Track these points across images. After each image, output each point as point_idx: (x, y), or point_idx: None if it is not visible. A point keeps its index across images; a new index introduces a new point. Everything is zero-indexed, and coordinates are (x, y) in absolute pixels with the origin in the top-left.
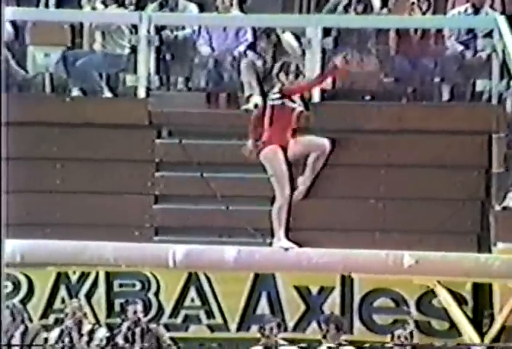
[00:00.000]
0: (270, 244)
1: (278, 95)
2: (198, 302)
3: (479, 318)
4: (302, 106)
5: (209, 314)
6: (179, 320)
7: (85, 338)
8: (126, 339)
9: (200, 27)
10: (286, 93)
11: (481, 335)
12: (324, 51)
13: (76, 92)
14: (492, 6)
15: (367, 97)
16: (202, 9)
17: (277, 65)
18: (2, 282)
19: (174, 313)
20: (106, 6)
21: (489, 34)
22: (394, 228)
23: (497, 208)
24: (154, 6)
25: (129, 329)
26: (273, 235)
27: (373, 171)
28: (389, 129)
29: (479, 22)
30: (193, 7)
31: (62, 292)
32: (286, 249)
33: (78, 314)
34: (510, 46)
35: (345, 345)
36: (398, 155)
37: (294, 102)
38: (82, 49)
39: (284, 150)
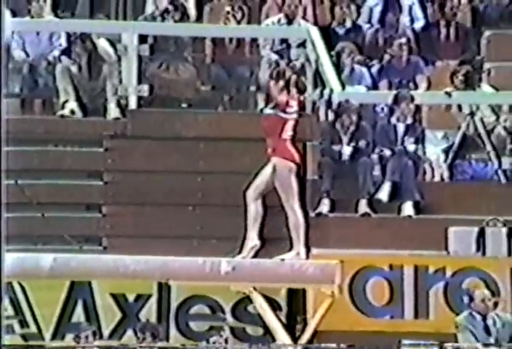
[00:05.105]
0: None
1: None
2: (11, 312)
3: (293, 323)
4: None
5: (23, 323)
6: None
7: None
8: None
9: (13, 32)
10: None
11: (294, 340)
12: (140, 58)
13: None
14: (304, 18)
15: (184, 105)
16: (14, 13)
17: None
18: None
19: None
20: None
21: (302, 44)
22: (211, 235)
23: (311, 214)
24: None
25: None
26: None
27: (190, 178)
28: (206, 136)
29: (292, 33)
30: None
31: None
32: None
33: None
34: (323, 56)
35: None
36: (214, 162)
37: (285, 112)
38: None
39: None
